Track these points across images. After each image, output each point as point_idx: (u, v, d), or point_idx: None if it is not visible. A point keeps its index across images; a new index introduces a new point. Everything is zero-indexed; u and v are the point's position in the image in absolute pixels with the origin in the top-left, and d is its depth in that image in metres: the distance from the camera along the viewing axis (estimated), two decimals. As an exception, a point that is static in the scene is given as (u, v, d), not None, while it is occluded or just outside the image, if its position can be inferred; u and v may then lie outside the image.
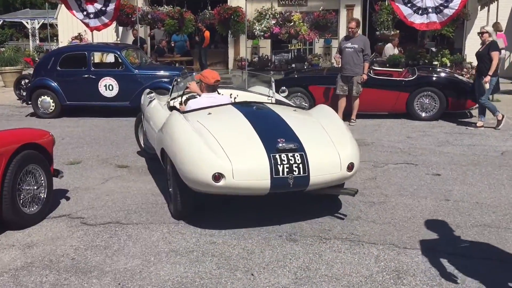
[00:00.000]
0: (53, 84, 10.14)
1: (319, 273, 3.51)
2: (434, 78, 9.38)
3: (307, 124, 4.80)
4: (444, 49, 11.99)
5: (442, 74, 9.74)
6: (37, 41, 27.38)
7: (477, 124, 8.51)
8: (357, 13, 16.45)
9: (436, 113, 9.19)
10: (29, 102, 10.42)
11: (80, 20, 12.83)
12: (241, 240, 4.12)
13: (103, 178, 6.00)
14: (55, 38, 20.41)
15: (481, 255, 3.76)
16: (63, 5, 18.74)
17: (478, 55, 8.45)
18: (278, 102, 5.77)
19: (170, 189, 4.75)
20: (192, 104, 5.39)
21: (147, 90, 6.63)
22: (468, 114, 9.59)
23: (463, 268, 3.53)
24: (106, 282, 3.46)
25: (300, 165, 4.09)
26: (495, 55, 8.13)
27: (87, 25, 12.93)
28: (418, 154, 6.85)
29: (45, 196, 4.74)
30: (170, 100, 5.93)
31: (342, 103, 9.22)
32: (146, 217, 4.70)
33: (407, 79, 9.40)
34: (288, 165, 4.07)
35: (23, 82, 12.54)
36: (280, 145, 4.17)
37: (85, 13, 12.82)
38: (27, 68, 17.55)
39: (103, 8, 12.97)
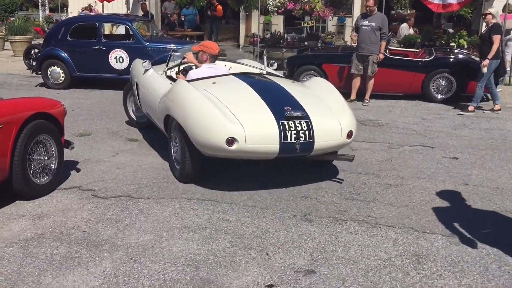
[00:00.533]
0: (63, 54, 10.00)
1: (335, 255, 3.42)
2: (451, 60, 9.15)
3: (308, 95, 5.04)
4: (461, 30, 11.69)
5: (460, 56, 9.51)
6: (47, 11, 27.11)
7: (494, 108, 8.32)
8: (373, -9, 16.13)
9: (453, 95, 8.99)
10: (39, 72, 10.30)
11: None
12: (255, 218, 4.03)
13: (113, 151, 5.91)
14: (65, 8, 20.14)
15: (504, 242, 3.64)
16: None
17: (481, 37, 8.23)
18: (269, 74, 5.92)
19: (174, 154, 4.99)
20: (193, 73, 5.51)
21: (138, 60, 6.72)
22: (485, 97, 9.37)
23: (485, 255, 3.43)
24: (117, 256, 3.39)
25: (306, 132, 4.39)
26: (496, 38, 7.87)
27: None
28: (434, 136, 6.70)
29: (55, 167, 4.66)
30: (167, 70, 5.97)
31: (356, 82, 9.04)
32: (158, 192, 4.62)
33: (423, 59, 9.18)
34: (295, 132, 4.36)
35: (32, 52, 12.38)
36: (288, 113, 4.45)
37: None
38: (37, 37, 17.41)
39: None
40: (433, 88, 9.06)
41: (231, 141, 4.27)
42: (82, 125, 7.06)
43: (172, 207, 4.26)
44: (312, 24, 14.28)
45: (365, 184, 4.80)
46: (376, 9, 8.95)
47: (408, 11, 14.60)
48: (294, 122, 4.39)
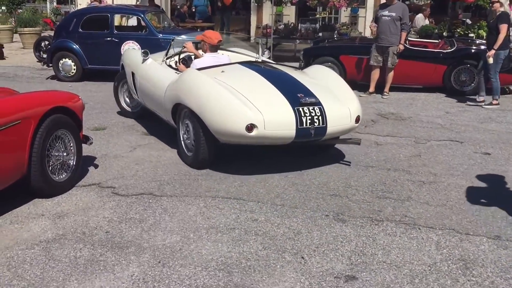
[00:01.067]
0: (74, 46, 9.80)
1: (375, 259, 3.22)
2: (474, 51, 8.87)
3: (315, 81, 5.21)
4: (480, 21, 11.37)
5: (482, 47, 9.19)
6: (54, 3, 26.92)
7: (477, 99, 8.06)
8: (387, -19, 15.80)
9: (475, 87, 8.72)
10: (50, 65, 10.12)
11: None
12: (285, 218, 3.83)
13: (130, 146, 5.73)
14: (73, 0, 19.93)
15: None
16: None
17: (488, 26, 7.93)
18: (264, 62, 6.06)
19: (185, 141, 5.09)
20: (198, 63, 5.57)
21: (130, 49, 6.62)
22: (507, 90, 9.12)
23: (535, 259, 3.22)
24: (145, 260, 3.21)
25: (320, 117, 4.60)
26: (503, 27, 7.55)
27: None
28: (461, 130, 6.47)
29: (74, 163, 4.48)
30: (166, 59, 6.03)
31: (375, 74, 8.79)
32: (180, 189, 4.43)
33: (445, 51, 8.91)
34: (310, 117, 4.56)
35: (43, 44, 12.24)
36: (303, 99, 4.65)
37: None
38: (46, 29, 17.23)
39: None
40: (455, 80, 8.79)
41: (250, 127, 4.41)
42: (97, 119, 6.88)
43: (197, 205, 4.07)
44: (324, 15, 14.03)
45: (396, 182, 4.59)
46: (396, -1, 8.67)
47: (423, 1, 14.29)
48: (308, 108, 4.59)
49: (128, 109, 7.06)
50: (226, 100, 4.61)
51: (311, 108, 4.60)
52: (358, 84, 9.16)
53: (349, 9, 14.98)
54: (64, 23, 10.37)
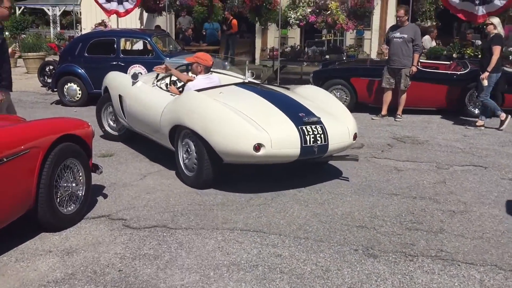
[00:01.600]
0: (80, 71, 9.65)
1: (416, 299, 2.95)
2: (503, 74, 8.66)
3: (311, 101, 5.35)
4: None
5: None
6: (58, 28, 27.01)
7: (477, 124, 7.81)
8: (392, 3, 15.73)
9: (490, 109, 8.49)
10: (55, 89, 9.95)
11: (100, 4, 12.32)
12: (311, 253, 3.56)
13: (140, 174, 5.49)
14: (78, 25, 19.94)
15: None
16: (86, -9, 18.41)
17: (481, 48, 7.79)
18: (251, 83, 6.11)
19: (185, 162, 5.09)
20: (192, 85, 5.60)
21: (113, 72, 6.84)
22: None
23: None
24: (163, 303, 2.94)
25: (322, 135, 4.75)
26: (496, 49, 7.42)
27: (104, 9, 12.44)
28: (482, 155, 6.22)
29: (83, 194, 4.23)
30: (157, 81, 6.09)
31: (388, 97, 8.59)
32: (196, 221, 4.17)
33: (459, 72, 8.73)
34: (313, 136, 4.69)
35: (47, 69, 12.09)
36: (305, 118, 4.79)
37: (108, -3, 12.32)
38: (50, 54, 17.15)
39: (129, -8, 12.47)
40: (470, 102, 8.59)
41: (258, 147, 4.49)
42: (104, 145, 6.65)
43: (215, 239, 3.81)
44: (330, 37, 13.93)
45: (425, 211, 4.33)
46: (407, 20, 8.53)
47: (429, 23, 14.20)
48: (311, 127, 4.74)
49: (113, 132, 6.90)
50: (233, 121, 4.68)
51: (313, 126, 4.75)
52: (370, 107, 8.99)
53: (354, 31, 14.86)
54: (69, 48, 10.23)
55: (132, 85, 6.07)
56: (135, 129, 6.22)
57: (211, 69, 6.09)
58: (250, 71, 6.47)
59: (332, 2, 11.92)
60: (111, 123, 6.91)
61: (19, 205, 3.59)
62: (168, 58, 9.46)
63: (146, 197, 4.75)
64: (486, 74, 7.49)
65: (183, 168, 5.13)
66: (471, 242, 3.70)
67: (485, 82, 7.52)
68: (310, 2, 12.34)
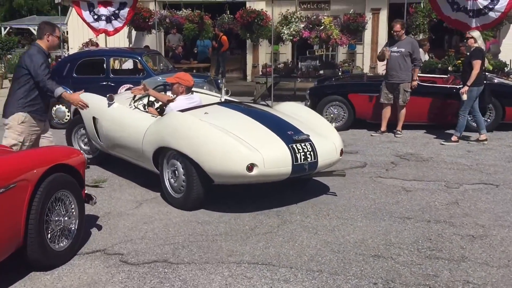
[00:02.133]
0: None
1: None
2: (489, 86, 8.49)
3: (295, 119, 5.33)
4: (487, 54, 11.14)
5: (495, 80, 8.91)
6: (45, 48, 26.64)
7: (480, 138, 7.63)
8: (383, 17, 15.70)
9: (491, 123, 8.35)
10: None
11: (88, 23, 12.08)
12: (327, 288, 3.28)
13: (135, 201, 5.18)
14: (64, 44, 19.63)
15: None
16: (73, 11, 18.16)
17: (462, 62, 7.73)
18: (228, 101, 6.16)
19: (172, 184, 4.98)
20: (174, 106, 5.53)
21: (85, 93, 6.25)
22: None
23: None
24: None
25: (311, 153, 4.74)
26: (476, 63, 7.33)
27: (93, 28, 12.20)
28: (491, 172, 6.00)
29: (76, 227, 3.91)
30: (134, 102, 5.97)
31: (387, 113, 8.40)
32: (199, 253, 3.87)
33: (458, 86, 8.55)
34: (303, 153, 4.69)
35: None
36: (295, 137, 4.77)
37: (95, 16, 12.05)
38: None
39: (117, 12, 12.23)
40: (470, 117, 8.39)
41: (251, 167, 4.43)
42: (95, 171, 6.32)
43: (221, 275, 3.52)
44: (322, 53, 13.78)
45: (442, 236, 4.07)
46: (404, 34, 8.38)
47: (421, 36, 14.14)
48: (301, 145, 4.72)
49: (86, 155, 6.57)
50: (224, 142, 4.62)
51: (303, 144, 4.74)
52: (368, 123, 8.79)
53: (346, 46, 14.76)
54: (57, 68, 9.91)
55: (108, 106, 5.89)
56: (112, 152, 6.04)
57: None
58: (225, 89, 6.44)
59: (325, 17, 11.80)
60: (83, 145, 6.67)
61: (6, 244, 3.27)
62: (159, 77, 9.22)
63: (143, 227, 4.45)
64: (466, 88, 7.39)
65: (169, 190, 5.03)
66: (498, 272, 3.45)
67: (464, 97, 7.41)
68: (302, 18, 12.21)
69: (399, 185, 5.53)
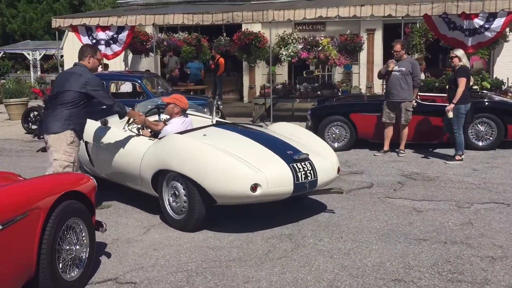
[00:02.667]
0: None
1: None
2: (490, 104, 8.57)
3: (291, 139, 5.42)
4: (484, 72, 11.25)
5: (496, 98, 8.95)
6: (39, 72, 26.62)
7: (456, 158, 7.57)
8: (379, 37, 15.87)
9: (494, 141, 8.35)
10: (41, 137, 9.50)
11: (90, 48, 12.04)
12: (351, 315, 3.19)
13: (143, 227, 5.08)
14: (61, 68, 19.61)
15: None
16: (69, 35, 18.19)
17: (448, 80, 7.81)
18: (219, 123, 6.29)
19: (172, 205, 4.97)
20: (169, 129, 5.57)
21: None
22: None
23: None
24: None
25: (311, 171, 4.82)
26: (461, 81, 7.39)
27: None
28: (500, 191, 5.96)
29: (87, 256, 3.81)
30: (128, 126, 5.91)
31: (389, 132, 8.38)
32: (214, 281, 3.77)
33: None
34: (304, 172, 4.76)
35: (31, 115, 11.68)
36: (295, 156, 4.84)
37: (94, 41, 12.04)
38: (32, 99, 16.72)
39: (115, 36, 12.25)
40: (472, 135, 8.41)
41: (255, 187, 4.47)
42: (98, 195, 6.10)
43: (239, 303, 3.41)
44: (319, 73, 13.85)
45: (461, 258, 4.00)
46: (404, 54, 8.42)
47: (416, 56, 14.28)
48: (301, 164, 4.79)
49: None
50: (227, 162, 4.64)
51: (303, 163, 4.80)
52: (370, 142, 8.77)
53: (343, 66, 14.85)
54: (56, 93, 9.86)
55: (102, 130, 5.88)
56: (105, 176, 6.00)
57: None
58: (218, 110, 6.47)
59: (323, 38, 11.88)
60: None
61: (18, 276, 3.16)
62: (160, 101, 9.17)
63: (154, 254, 4.34)
64: (452, 106, 7.43)
65: (170, 212, 5.02)
66: (524, 294, 3.38)
67: (450, 114, 7.45)
68: (299, 39, 12.28)
69: (409, 206, 5.47)
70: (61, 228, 3.50)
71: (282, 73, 16.45)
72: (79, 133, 5.03)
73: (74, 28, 12.17)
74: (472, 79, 8.61)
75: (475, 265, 3.86)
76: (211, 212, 4.87)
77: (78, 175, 4.11)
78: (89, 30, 12.20)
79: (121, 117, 5.46)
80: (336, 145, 8.72)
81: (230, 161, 4.67)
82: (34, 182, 3.63)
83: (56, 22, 11.80)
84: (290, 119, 11.41)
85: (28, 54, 27.47)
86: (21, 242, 3.15)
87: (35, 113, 11.57)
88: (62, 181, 3.80)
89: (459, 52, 7.77)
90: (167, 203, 5.05)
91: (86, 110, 5.03)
